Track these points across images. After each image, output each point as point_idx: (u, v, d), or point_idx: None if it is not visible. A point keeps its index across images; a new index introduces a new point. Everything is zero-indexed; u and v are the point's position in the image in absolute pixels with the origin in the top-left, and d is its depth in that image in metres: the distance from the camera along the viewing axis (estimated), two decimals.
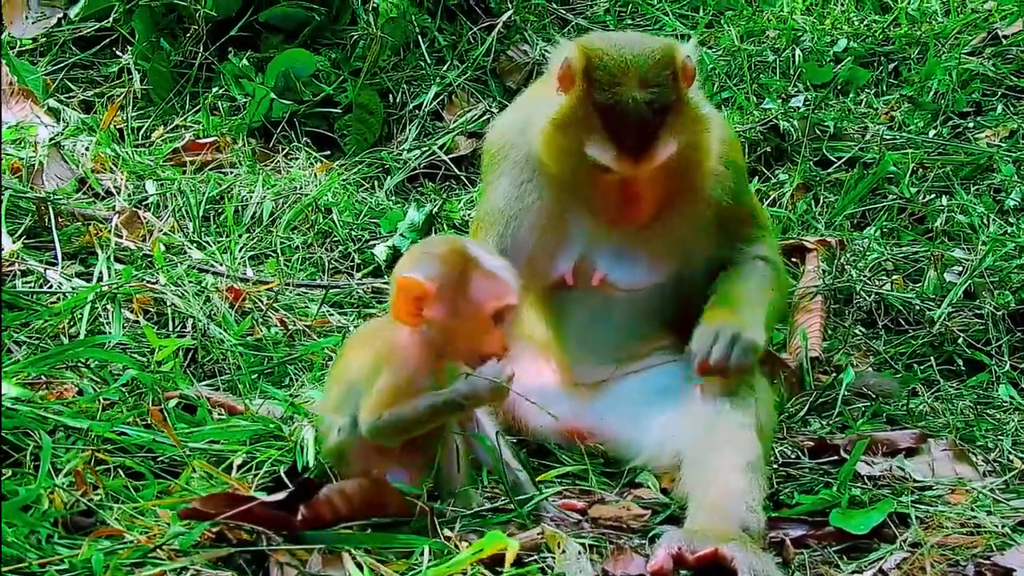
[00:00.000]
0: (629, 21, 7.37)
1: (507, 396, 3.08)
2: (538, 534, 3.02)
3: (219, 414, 3.58)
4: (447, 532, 2.96)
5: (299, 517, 2.78)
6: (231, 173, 5.74)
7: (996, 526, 3.34)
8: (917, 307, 5.06)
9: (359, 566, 2.76)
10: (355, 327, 4.43)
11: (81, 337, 3.89)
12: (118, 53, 6.64)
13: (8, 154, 5.19)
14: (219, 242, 5.09)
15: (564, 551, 2.97)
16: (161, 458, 3.22)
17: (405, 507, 3.00)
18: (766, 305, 3.73)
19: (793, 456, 3.86)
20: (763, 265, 3.81)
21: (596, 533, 3.22)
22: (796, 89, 6.73)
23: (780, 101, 6.52)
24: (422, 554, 2.84)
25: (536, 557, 2.95)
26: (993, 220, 5.66)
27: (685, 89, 3.53)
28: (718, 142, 3.67)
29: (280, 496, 2.82)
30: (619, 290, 3.71)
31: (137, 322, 4.15)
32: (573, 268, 3.75)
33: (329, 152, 6.33)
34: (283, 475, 3.03)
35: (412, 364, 3.13)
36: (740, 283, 3.69)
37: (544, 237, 3.77)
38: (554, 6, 7.38)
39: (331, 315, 4.59)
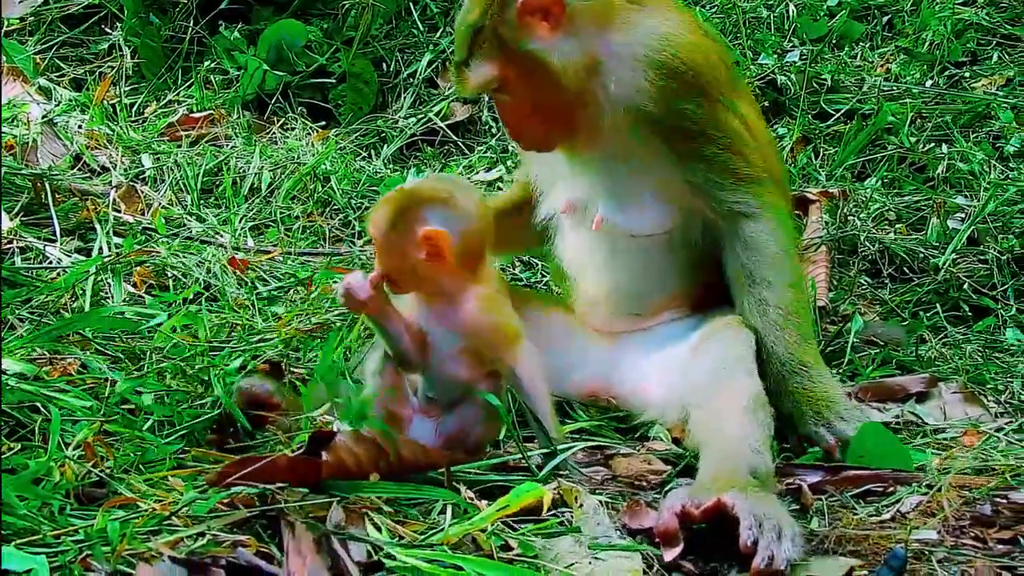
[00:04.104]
0: None
1: (358, 303, 3.23)
2: (555, 489, 3.00)
3: None
4: (466, 491, 2.94)
5: (323, 461, 2.77)
6: (227, 145, 5.71)
7: (1011, 465, 3.32)
8: (921, 255, 5.06)
9: (377, 527, 2.74)
10: None
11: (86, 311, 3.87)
12: (107, 30, 6.60)
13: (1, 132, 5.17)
14: (218, 214, 5.07)
15: (582, 505, 2.96)
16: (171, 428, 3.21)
17: (421, 459, 3.00)
18: (810, 337, 3.66)
19: None
20: (761, 240, 3.64)
21: (614, 490, 3.20)
22: (791, 44, 6.71)
23: (776, 56, 6.49)
24: (442, 512, 2.83)
25: (555, 512, 2.93)
26: (994, 166, 5.65)
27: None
28: (633, 46, 3.58)
29: (301, 450, 2.84)
30: (623, 234, 3.71)
31: (140, 296, 4.13)
32: (566, 204, 3.82)
33: (324, 123, 6.32)
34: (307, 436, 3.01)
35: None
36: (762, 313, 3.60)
37: (542, 174, 3.93)
38: None
39: (335, 282, 4.56)
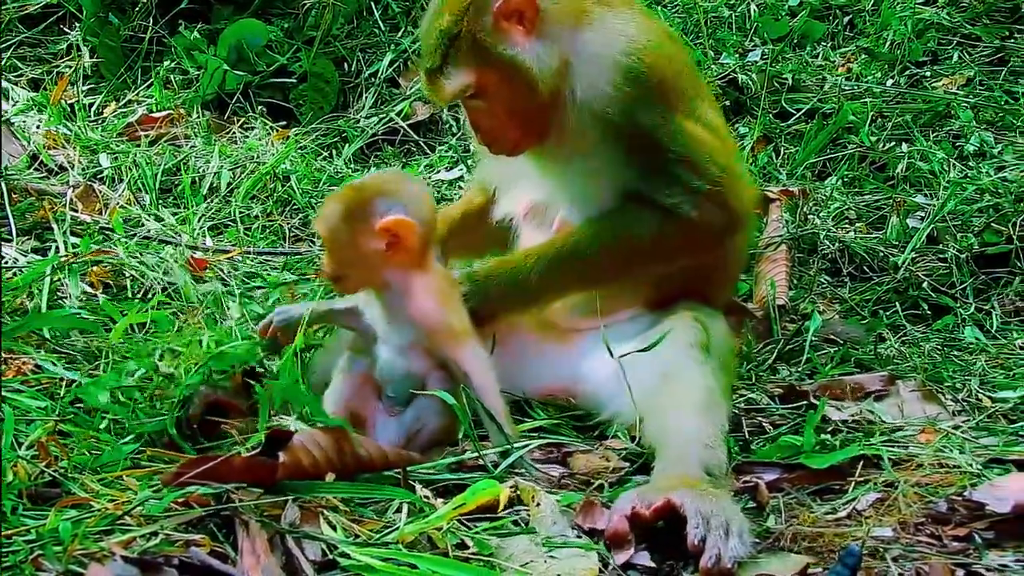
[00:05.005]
0: None
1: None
2: (511, 487, 2.99)
3: None
4: (422, 489, 2.93)
5: (279, 461, 2.75)
6: (187, 145, 5.68)
7: (968, 464, 3.33)
8: (881, 254, 5.09)
9: (332, 526, 2.72)
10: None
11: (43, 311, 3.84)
12: (66, 30, 6.55)
13: None
14: (177, 213, 5.04)
15: (539, 504, 2.94)
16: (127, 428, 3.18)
17: (378, 459, 2.99)
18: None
19: (763, 403, 3.85)
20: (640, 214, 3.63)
21: (572, 488, 3.19)
22: (753, 44, 6.74)
23: (737, 56, 6.52)
24: (397, 510, 2.82)
25: (511, 510, 2.92)
26: (953, 165, 5.69)
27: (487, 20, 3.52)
28: (601, 60, 3.55)
29: (257, 449, 2.81)
30: None
31: (95, 296, 4.10)
32: (527, 208, 3.84)
33: (285, 122, 6.30)
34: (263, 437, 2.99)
35: None
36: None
37: (503, 174, 3.92)
38: None
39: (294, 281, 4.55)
